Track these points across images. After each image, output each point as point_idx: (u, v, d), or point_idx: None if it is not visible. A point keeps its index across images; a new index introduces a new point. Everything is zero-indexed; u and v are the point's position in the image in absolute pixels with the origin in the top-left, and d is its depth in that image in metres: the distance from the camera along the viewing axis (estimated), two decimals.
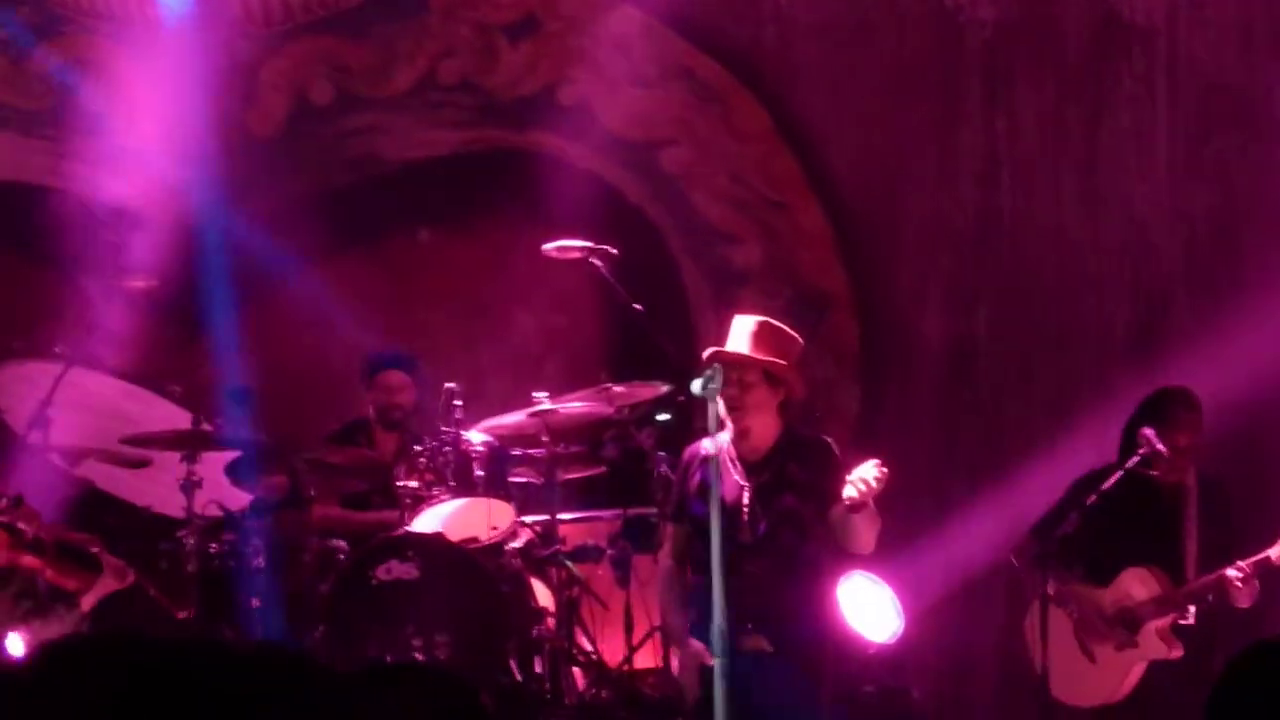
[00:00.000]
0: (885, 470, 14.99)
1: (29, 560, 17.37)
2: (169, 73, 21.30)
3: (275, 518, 18.79)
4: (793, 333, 16.37)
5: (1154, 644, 17.57)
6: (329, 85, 21.53)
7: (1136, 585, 17.64)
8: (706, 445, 15.65)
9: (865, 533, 15.74)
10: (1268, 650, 6.13)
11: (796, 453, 16.52)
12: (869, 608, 18.25)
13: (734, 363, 15.65)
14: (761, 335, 16.13)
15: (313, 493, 18.88)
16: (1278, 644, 6.12)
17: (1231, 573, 17.05)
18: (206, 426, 18.45)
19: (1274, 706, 5.80)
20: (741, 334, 16.05)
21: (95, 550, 17.81)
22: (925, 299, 21.52)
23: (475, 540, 17.87)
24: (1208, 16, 21.19)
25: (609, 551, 18.55)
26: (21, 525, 17.06)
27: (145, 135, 21.30)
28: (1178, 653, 17.50)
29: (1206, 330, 19.94)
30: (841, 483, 15.83)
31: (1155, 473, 17.68)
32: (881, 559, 17.75)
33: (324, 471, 18.95)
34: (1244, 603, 17.16)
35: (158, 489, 18.70)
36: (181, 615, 18.06)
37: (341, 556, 18.36)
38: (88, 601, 17.75)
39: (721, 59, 21.55)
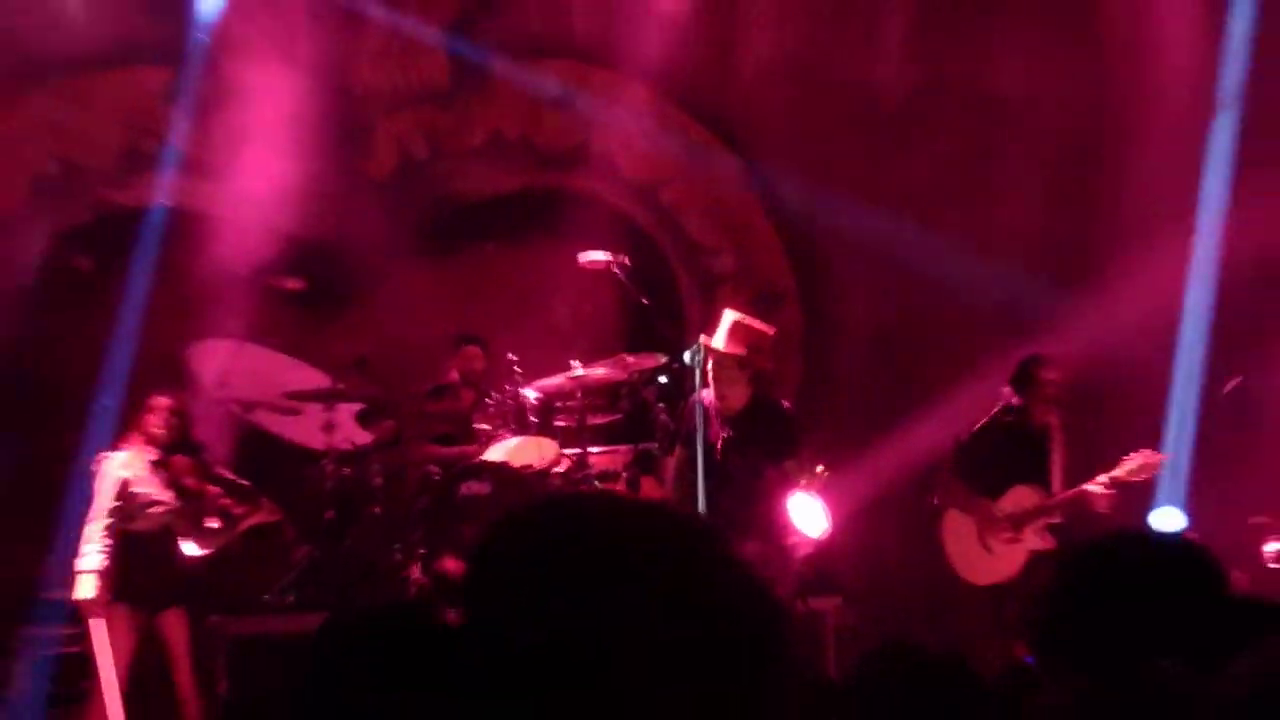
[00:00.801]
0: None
1: (212, 489, 18.11)
2: (310, 131, 21.93)
3: (387, 452, 19.53)
4: (763, 327, 17.22)
5: (1033, 539, 18.20)
6: (425, 143, 21.86)
7: (1022, 497, 18.31)
8: (704, 395, 16.73)
9: None
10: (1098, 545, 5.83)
11: (760, 414, 17.40)
12: (807, 513, 19.06)
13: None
14: (736, 331, 17.07)
15: (413, 433, 19.60)
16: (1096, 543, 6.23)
17: (1090, 487, 17.87)
18: (340, 385, 19.23)
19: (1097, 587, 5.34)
20: (723, 329, 16.95)
21: (252, 489, 18.75)
22: (851, 296, 21.96)
23: (530, 466, 18.27)
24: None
25: (624, 474, 19.04)
26: (209, 461, 17.99)
27: (291, 176, 22.01)
28: (1050, 544, 18.14)
29: (1064, 314, 20.35)
30: (792, 436, 17.56)
31: (1010, 419, 18.48)
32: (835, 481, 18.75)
33: (422, 418, 19.55)
34: (1103, 508, 17.83)
35: (306, 430, 19.37)
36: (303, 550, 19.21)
37: (435, 479, 18.75)
38: (245, 525, 18.56)
39: (704, 123, 21.89)
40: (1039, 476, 18.57)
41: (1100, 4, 21.30)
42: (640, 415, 19.09)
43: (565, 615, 3.28)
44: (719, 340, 16.93)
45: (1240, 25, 20.28)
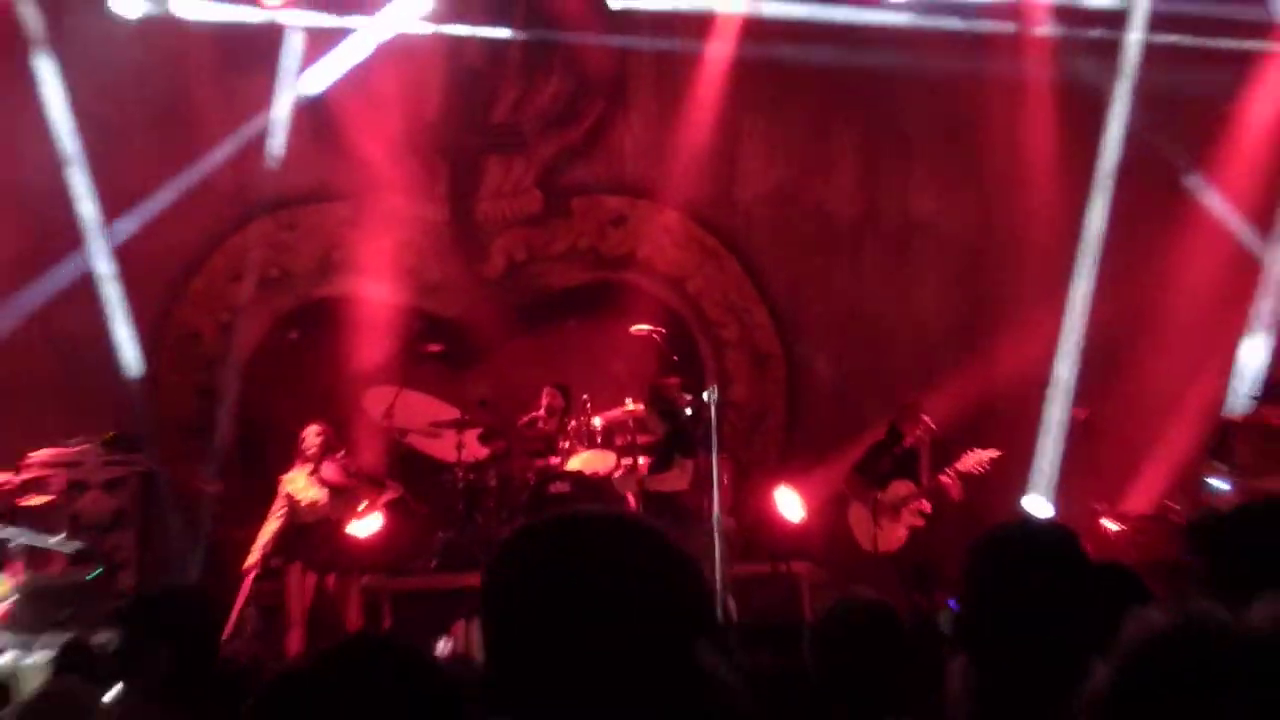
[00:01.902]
0: None
1: (353, 482, 18.20)
2: (447, 246, 21.79)
3: (499, 463, 19.15)
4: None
5: (909, 519, 18.30)
6: (524, 251, 21.63)
7: (899, 489, 18.41)
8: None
9: None
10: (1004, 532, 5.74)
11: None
12: (788, 502, 19.01)
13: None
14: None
15: (517, 450, 19.26)
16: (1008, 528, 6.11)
17: (944, 479, 17.98)
18: (467, 417, 19.01)
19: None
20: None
21: (380, 477, 18.81)
22: (815, 351, 21.77)
23: (596, 472, 18.26)
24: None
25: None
26: (349, 464, 18.15)
27: (434, 276, 21.87)
28: (921, 523, 18.29)
29: (965, 367, 20.18)
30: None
31: (892, 438, 18.83)
32: (797, 481, 18.64)
33: (523, 439, 19.36)
34: (955, 495, 18.03)
35: (443, 448, 19.06)
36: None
37: (531, 481, 18.59)
38: (380, 503, 18.57)
39: (716, 235, 21.65)
40: (911, 475, 18.60)
41: (984, 153, 21.09)
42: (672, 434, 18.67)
43: (556, 600, 3.18)
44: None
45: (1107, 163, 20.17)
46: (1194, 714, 2.68)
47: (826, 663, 5.81)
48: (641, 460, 18.78)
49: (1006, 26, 20.58)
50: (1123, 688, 2.74)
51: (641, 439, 18.97)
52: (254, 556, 17.91)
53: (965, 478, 18.25)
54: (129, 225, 20.47)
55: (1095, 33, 20.39)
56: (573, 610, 3.15)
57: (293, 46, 20.65)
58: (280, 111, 20.72)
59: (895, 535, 18.52)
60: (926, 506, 18.40)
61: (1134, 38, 19.94)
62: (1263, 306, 19.99)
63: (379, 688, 3.89)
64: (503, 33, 21.45)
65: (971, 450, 18.41)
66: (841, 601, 6.17)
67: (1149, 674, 2.72)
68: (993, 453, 18.42)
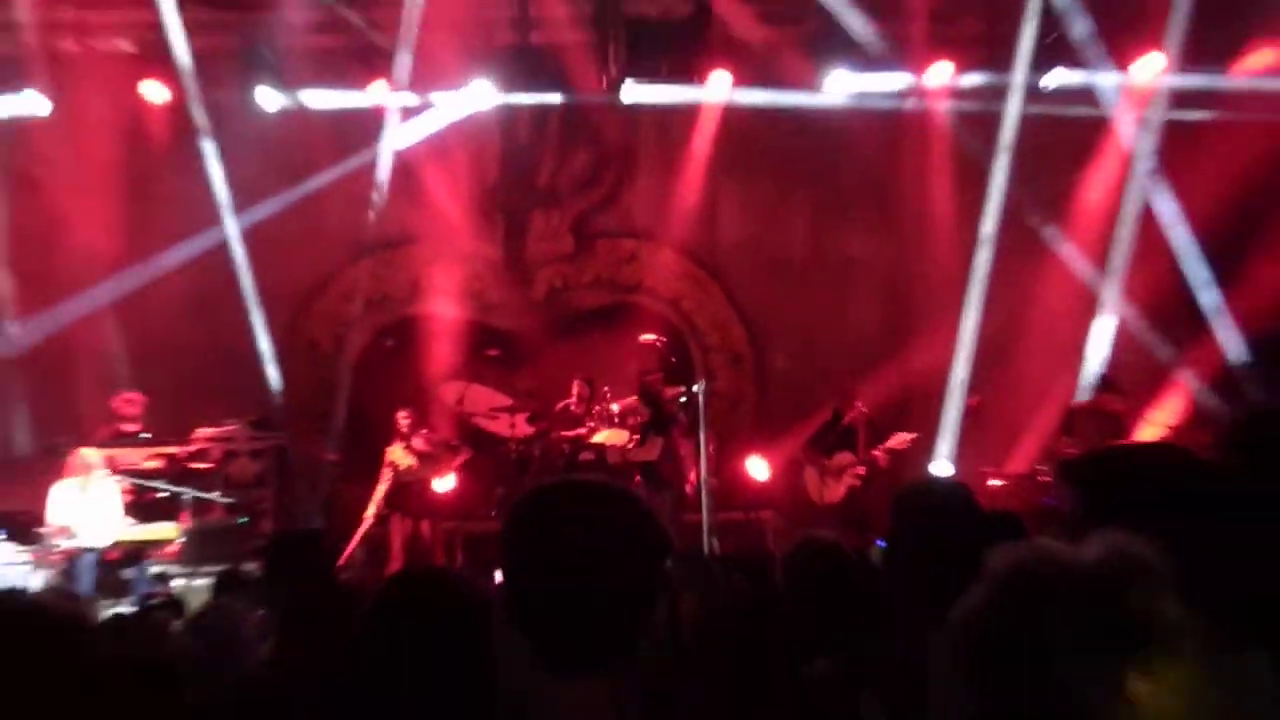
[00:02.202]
0: None
1: (435, 451, 18.30)
2: (502, 276, 21.75)
3: (543, 438, 18.79)
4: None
5: (848, 480, 18.09)
6: (561, 281, 21.61)
7: (842, 459, 18.18)
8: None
9: None
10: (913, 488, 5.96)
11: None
12: (756, 466, 18.97)
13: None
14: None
15: (556, 428, 18.89)
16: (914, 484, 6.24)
17: (876, 454, 17.85)
18: (518, 404, 18.95)
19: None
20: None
21: (456, 444, 18.74)
22: (776, 353, 21.73)
23: (614, 445, 18.11)
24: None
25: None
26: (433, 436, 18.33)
27: (494, 299, 21.90)
28: (858, 484, 18.04)
29: (886, 366, 19.94)
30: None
31: (836, 418, 18.53)
32: (764, 450, 18.55)
33: (560, 420, 18.91)
34: (884, 465, 17.91)
35: (501, 427, 18.85)
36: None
37: (566, 451, 18.37)
38: (456, 463, 18.55)
39: (703, 268, 21.59)
40: (851, 448, 18.35)
41: (901, 207, 21.06)
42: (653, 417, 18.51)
43: (548, 539, 3.23)
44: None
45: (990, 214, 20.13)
46: (1034, 626, 2.71)
47: (794, 583, 5.85)
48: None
49: (918, 106, 20.45)
50: (984, 606, 2.78)
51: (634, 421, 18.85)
52: (370, 510, 18.26)
53: (892, 453, 18.26)
54: (268, 262, 20.51)
55: (976, 107, 20.30)
56: (560, 548, 3.17)
57: (389, 123, 20.54)
58: (380, 175, 20.64)
59: (838, 492, 18.38)
60: (862, 471, 18.29)
61: (1011, 111, 19.79)
62: (1099, 324, 19.96)
63: (429, 600, 4.40)
64: (545, 118, 21.53)
65: (897, 433, 18.43)
66: (805, 539, 6.11)
67: (1003, 596, 2.76)
68: (912, 435, 18.46)
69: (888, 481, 17.66)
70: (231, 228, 20.06)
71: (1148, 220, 20.06)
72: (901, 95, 20.36)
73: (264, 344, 20.26)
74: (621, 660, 3.15)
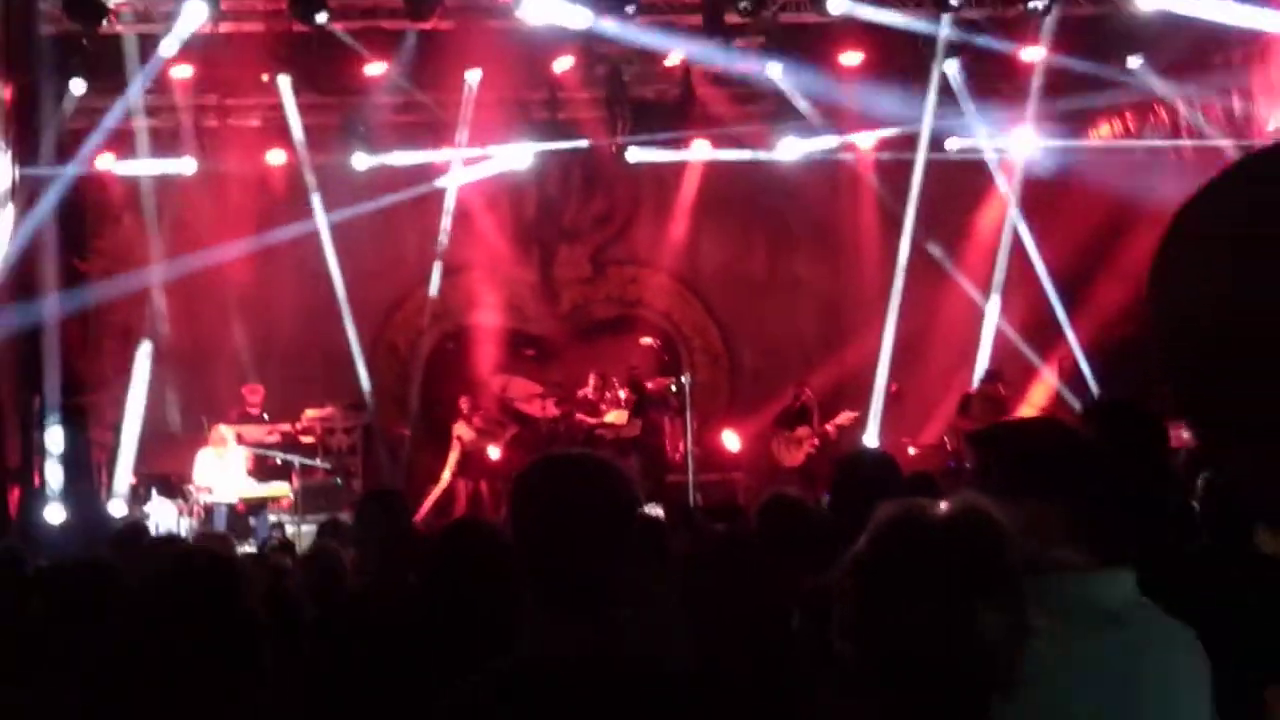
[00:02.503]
0: None
1: (489, 427, 18.23)
2: (538, 293, 21.67)
3: (569, 417, 18.95)
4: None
5: (806, 448, 18.14)
6: (581, 297, 21.63)
7: (800, 432, 18.19)
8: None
9: None
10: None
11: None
12: (730, 439, 18.90)
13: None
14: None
15: (578, 409, 19.08)
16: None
17: (827, 428, 17.85)
18: (548, 391, 18.98)
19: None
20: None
21: (501, 421, 18.65)
22: (745, 352, 21.48)
23: (620, 423, 18.32)
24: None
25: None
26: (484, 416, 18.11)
27: (532, 313, 21.83)
28: (813, 451, 18.05)
29: (825, 361, 20.20)
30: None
31: (794, 401, 18.54)
32: (735, 426, 18.46)
33: (581, 404, 19.06)
34: (834, 438, 17.91)
35: (535, 408, 18.84)
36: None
37: (586, 426, 18.46)
38: (506, 438, 18.45)
39: (688, 288, 21.39)
40: (809, 423, 18.32)
41: (838, 238, 21.02)
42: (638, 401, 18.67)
43: (553, 510, 3.13)
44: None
45: (904, 242, 19.99)
46: (902, 570, 2.64)
47: (767, 527, 5.81)
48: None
49: (849, 161, 20.47)
50: (866, 552, 2.70)
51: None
52: (446, 474, 18.36)
53: (839, 428, 18.32)
54: (360, 283, 20.41)
55: (893, 161, 20.24)
56: (553, 505, 3.11)
57: (451, 176, 20.42)
58: (445, 216, 20.51)
59: (798, 458, 18.36)
60: (816, 442, 18.30)
61: (918, 167, 19.74)
62: (985, 330, 19.86)
63: (470, 548, 4.63)
64: (569, 172, 21.45)
65: (843, 411, 18.54)
66: (775, 494, 6.07)
67: (880, 544, 2.69)
68: (855, 413, 18.57)
69: (835, 449, 17.53)
70: (331, 257, 19.88)
71: (1019, 252, 20.02)
72: (835, 153, 20.32)
73: (355, 346, 20.05)
74: (604, 596, 3.06)
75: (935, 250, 20.03)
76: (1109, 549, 3.13)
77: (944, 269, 20.14)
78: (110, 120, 18.28)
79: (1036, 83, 18.97)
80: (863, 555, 2.69)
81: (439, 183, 20.37)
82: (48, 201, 17.13)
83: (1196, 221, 3.08)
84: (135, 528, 10.40)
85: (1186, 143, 18.44)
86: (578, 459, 3.28)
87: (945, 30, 18.23)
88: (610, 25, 17.23)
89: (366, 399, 19.92)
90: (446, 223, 20.55)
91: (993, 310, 19.93)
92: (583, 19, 16.78)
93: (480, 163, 20.39)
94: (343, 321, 20.01)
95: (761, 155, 20.28)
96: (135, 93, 18.11)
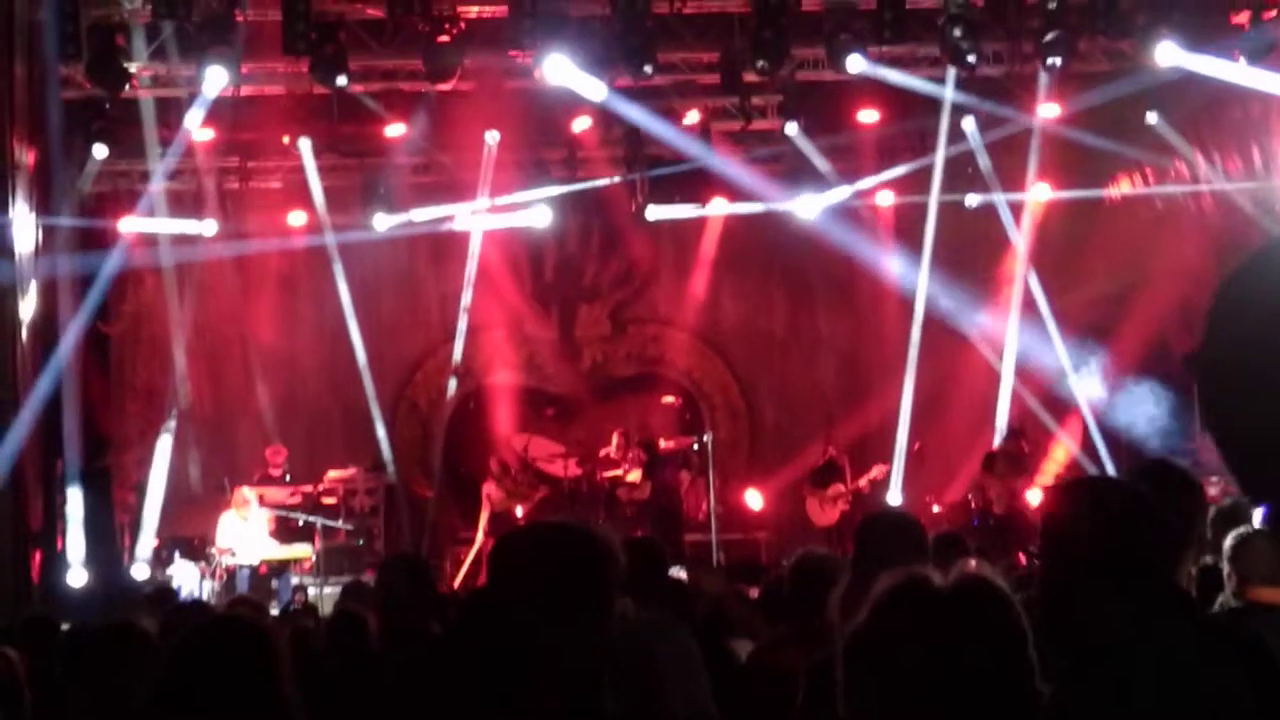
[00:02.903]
0: None
1: (518, 489, 18.23)
2: (561, 354, 21.75)
3: (589, 476, 19.14)
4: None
5: (840, 506, 18.07)
6: (601, 355, 21.72)
7: (834, 490, 18.15)
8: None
9: None
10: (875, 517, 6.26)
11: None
12: (752, 498, 18.89)
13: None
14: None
15: (600, 468, 19.25)
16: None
17: (861, 483, 17.81)
18: (569, 450, 18.99)
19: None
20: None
21: (533, 481, 18.67)
22: (765, 407, 21.55)
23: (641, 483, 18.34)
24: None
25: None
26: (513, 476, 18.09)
27: (554, 374, 21.97)
28: (846, 509, 17.95)
29: (848, 416, 20.23)
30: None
31: (824, 460, 18.55)
32: (757, 484, 18.43)
33: (607, 464, 18.95)
34: (867, 491, 17.84)
35: (557, 468, 18.91)
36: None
37: (606, 486, 18.63)
38: (536, 499, 18.45)
39: (708, 345, 21.48)
40: (841, 480, 18.24)
41: (857, 294, 21.02)
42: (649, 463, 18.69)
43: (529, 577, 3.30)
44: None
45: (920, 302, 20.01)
46: (902, 640, 2.63)
47: (800, 581, 5.89)
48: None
49: (867, 213, 20.53)
50: (869, 622, 2.68)
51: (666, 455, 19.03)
52: (479, 535, 18.24)
53: (872, 482, 18.36)
54: (382, 342, 20.61)
55: (911, 217, 20.25)
56: (515, 574, 3.31)
57: (472, 236, 20.48)
58: (467, 276, 20.53)
59: (832, 516, 18.34)
60: (849, 498, 18.29)
61: (931, 223, 19.74)
62: (1003, 391, 19.74)
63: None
64: (589, 232, 21.53)
65: (875, 466, 18.59)
66: (808, 551, 6.19)
67: (883, 615, 2.67)
68: (886, 466, 18.64)
69: (868, 505, 17.44)
70: (351, 317, 20.00)
71: (1034, 309, 19.88)
72: (853, 208, 20.31)
73: (374, 407, 20.08)
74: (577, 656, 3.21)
75: (949, 306, 19.96)
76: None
77: (963, 325, 20.08)
78: (132, 184, 18.49)
79: (1052, 138, 18.95)
80: (864, 628, 2.67)
81: (459, 226, 20.37)
82: (70, 264, 17.27)
83: (1239, 299, 3.14)
84: (164, 592, 10.45)
85: (1204, 188, 18.43)
86: (543, 529, 3.43)
87: (952, 92, 18.20)
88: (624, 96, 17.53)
89: (387, 460, 19.93)
90: (471, 267, 20.52)
91: (1008, 371, 19.83)
92: (599, 90, 16.88)
93: (500, 221, 20.48)
94: (363, 382, 20.09)
95: (779, 208, 20.20)
96: (157, 157, 18.33)
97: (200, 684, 3.79)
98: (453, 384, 20.65)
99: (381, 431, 20.10)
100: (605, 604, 3.28)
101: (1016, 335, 19.67)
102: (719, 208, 20.60)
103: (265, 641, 3.91)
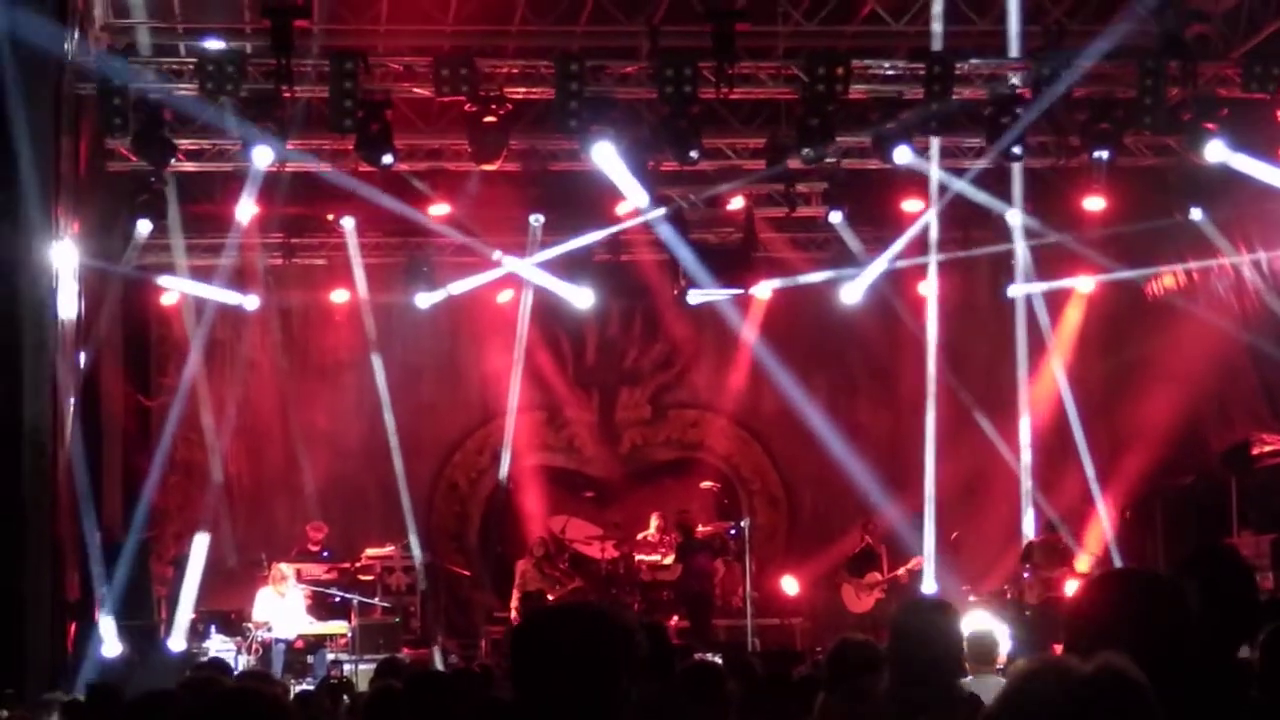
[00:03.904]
0: None
1: (553, 573, 18.19)
2: (600, 436, 21.90)
3: (626, 559, 19.21)
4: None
5: (876, 594, 18.07)
6: (641, 439, 21.82)
7: (870, 578, 18.14)
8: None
9: None
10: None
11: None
12: (789, 584, 18.83)
13: None
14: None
15: (637, 551, 19.39)
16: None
17: (900, 571, 17.76)
18: (607, 534, 18.98)
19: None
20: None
21: (570, 571, 18.58)
22: (804, 495, 21.57)
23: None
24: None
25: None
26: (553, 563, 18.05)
27: (593, 456, 21.98)
28: (882, 597, 17.98)
29: (887, 503, 19.95)
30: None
31: (861, 548, 18.46)
32: (794, 570, 18.34)
33: (645, 547, 19.12)
34: (905, 581, 17.74)
35: (594, 550, 18.94)
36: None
37: (643, 570, 18.69)
38: (570, 588, 18.41)
39: (748, 431, 21.58)
40: (878, 568, 18.19)
41: (895, 383, 21.10)
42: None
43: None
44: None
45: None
46: None
47: (837, 668, 5.97)
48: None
49: (911, 315, 20.42)
50: (1001, 707, 2.62)
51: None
52: (512, 614, 18.30)
53: (910, 572, 18.38)
54: (421, 421, 20.76)
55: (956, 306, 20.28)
56: (534, 657, 3.42)
57: (520, 317, 20.64)
58: (515, 356, 20.71)
59: (868, 604, 18.37)
60: (886, 586, 18.28)
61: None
62: (1026, 486, 19.65)
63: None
64: (630, 316, 21.71)
65: (914, 557, 18.59)
66: (846, 638, 6.30)
67: (1015, 702, 2.60)
68: (920, 560, 18.56)
69: (905, 594, 17.45)
70: (385, 397, 20.10)
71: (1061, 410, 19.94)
72: (895, 297, 20.31)
73: (403, 486, 20.13)
74: None
75: (971, 405, 20.00)
76: None
77: (1000, 414, 20.06)
78: (176, 257, 18.80)
79: (1096, 232, 18.95)
80: (998, 710, 2.60)
81: (501, 300, 20.54)
82: (113, 337, 17.35)
83: None
84: (217, 665, 10.53)
85: (1244, 272, 18.35)
86: (567, 611, 3.58)
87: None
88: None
89: (412, 539, 19.88)
90: (519, 350, 20.67)
91: (1025, 473, 19.80)
92: (642, 198, 17.23)
93: (542, 303, 20.56)
94: (394, 461, 20.16)
95: (820, 299, 20.30)
96: (201, 232, 18.61)
97: None
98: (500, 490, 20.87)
99: (408, 510, 20.07)
100: (621, 684, 3.38)
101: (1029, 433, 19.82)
102: (761, 292, 20.64)
103: (280, 713, 3.94)
